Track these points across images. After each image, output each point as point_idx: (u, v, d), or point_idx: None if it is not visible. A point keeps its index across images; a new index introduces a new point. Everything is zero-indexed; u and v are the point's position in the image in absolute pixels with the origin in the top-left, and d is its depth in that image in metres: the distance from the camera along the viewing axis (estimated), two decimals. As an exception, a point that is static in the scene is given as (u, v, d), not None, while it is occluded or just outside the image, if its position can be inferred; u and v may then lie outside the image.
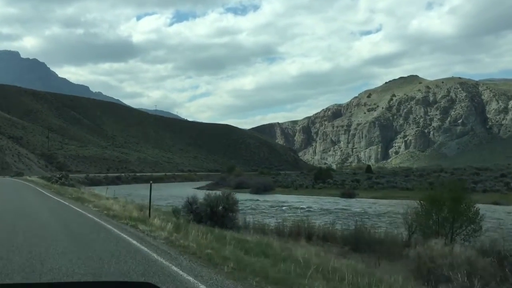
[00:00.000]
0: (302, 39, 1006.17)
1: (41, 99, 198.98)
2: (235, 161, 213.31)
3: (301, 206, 43.43)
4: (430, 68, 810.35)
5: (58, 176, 48.06)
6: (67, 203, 21.38)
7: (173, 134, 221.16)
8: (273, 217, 33.60)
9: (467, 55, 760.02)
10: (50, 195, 28.52)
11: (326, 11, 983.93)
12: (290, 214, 35.14)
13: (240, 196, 61.36)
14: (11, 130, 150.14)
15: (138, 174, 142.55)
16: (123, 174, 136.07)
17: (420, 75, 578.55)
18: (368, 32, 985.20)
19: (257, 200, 53.74)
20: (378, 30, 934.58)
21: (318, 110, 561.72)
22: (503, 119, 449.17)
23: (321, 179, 71.96)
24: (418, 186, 59.60)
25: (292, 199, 56.59)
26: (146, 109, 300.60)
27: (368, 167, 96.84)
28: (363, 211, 39.69)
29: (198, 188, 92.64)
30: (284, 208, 42.88)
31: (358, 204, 47.88)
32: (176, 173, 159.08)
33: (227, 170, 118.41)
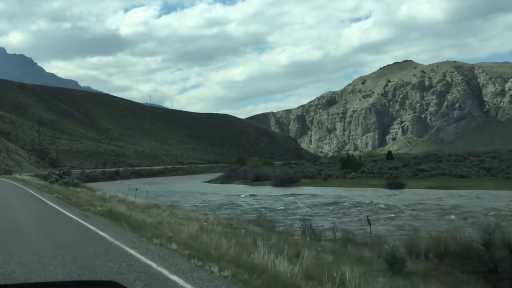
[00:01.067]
0: (292, 28, 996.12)
1: (29, 92, 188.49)
2: (235, 152, 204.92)
3: (364, 201, 35.04)
4: (420, 54, 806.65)
5: (58, 173, 39.15)
6: (119, 235, 10.91)
7: (169, 125, 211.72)
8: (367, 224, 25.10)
9: (457, 40, 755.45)
10: (61, 209, 17.69)
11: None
12: (376, 214, 26.79)
13: (265, 190, 53.25)
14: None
15: (136, 168, 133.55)
16: (121, 169, 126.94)
17: (414, 60, 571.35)
18: (358, 19, 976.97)
19: (294, 195, 45.33)
20: (367, 17, 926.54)
21: (309, 99, 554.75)
22: (500, 102, 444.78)
23: (350, 168, 63.89)
24: (473, 174, 51.59)
25: (330, 192, 48.36)
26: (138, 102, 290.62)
27: (389, 153, 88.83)
28: (456, 207, 31.35)
29: (209, 182, 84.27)
30: (346, 204, 34.44)
31: (425, 196, 39.63)
32: (175, 166, 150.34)
33: (237, 161, 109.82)
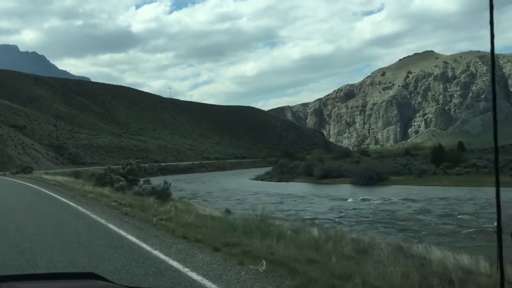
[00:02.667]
0: (304, 22, 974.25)
1: (44, 84, 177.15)
2: (262, 146, 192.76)
3: None
4: (434, 47, 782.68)
5: (122, 171, 26.06)
6: None
7: (191, 118, 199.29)
8: None
9: (470, 32, 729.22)
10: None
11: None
12: None
13: (359, 192, 40.46)
14: (12, 118, 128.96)
15: (162, 164, 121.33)
16: (146, 165, 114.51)
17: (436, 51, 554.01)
18: (370, 12, 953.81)
19: (431, 199, 32.46)
20: (380, 10, 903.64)
21: (322, 93, 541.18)
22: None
23: (446, 161, 51.40)
24: None
25: (460, 192, 35.67)
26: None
27: (460, 143, 75.84)
28: None
29: (258, 179, 71.94)
30: None
31: None
32: (203, 162, 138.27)
33: (284, 155, 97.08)
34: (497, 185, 2.95)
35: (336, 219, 21.69)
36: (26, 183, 30.16)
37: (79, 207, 14.27)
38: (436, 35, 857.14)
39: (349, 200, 33.17)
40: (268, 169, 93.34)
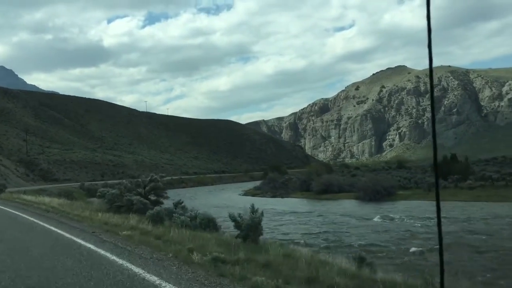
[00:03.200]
0: (276, 38, 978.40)
1: (13, 98, 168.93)
2: (241, 160, 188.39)
3: None
4: (404, 62, 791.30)
5: (142, 189, 20.02)
6: None
7: (168, 132, 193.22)
8: None
9: (439, 48, 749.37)
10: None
11: (300, 8, 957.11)
12: None
13: (369, 210, 35.21)
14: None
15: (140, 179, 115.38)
16: (124, 181, 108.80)
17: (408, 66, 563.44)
18: (342, 28, 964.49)
19: (472, 219, 28.49)
20: (351, 26, 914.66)
21: (295, 108, 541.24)
22: (498, 106, 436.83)
23: (453, 174, 48.18)
24: None
25: (485, 211, 32.09)
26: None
27: (454, 156, 73.01)
28: None
29: (247, 195, 67.38)
30: None
31: None
32: (182, 177, 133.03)
33: (271, 169, 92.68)
34: (438, 201, 3.02)
35: (415, 249, 17.17)
36: (6, 209, 22.85)
37: (147, 275, 6.89)
38: (406, 50, 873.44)
39: (375, 219, 29.09)
40: (254, 183, 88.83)
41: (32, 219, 16.56)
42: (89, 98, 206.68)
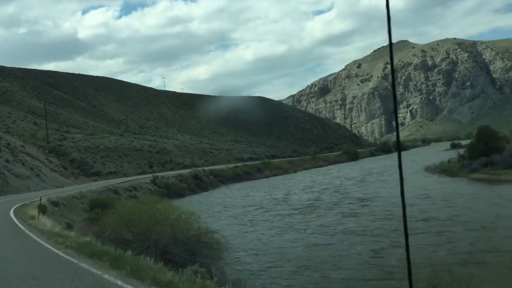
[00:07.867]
0: (255, 23, 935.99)
1: (8, 75, 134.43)
2: (286, 142, 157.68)
3: None
4: (382, 43, 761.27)
5: None
6: None
7: (194, 113, 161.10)
8: None
9: (417, 28, 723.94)
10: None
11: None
12: None
13: None
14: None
15: (206, 169, 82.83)
16: (203, 175, 75.66)
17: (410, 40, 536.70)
18: (320, 12, 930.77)
19: None
20: (330, 9, 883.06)
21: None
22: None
23: None
24: None
25: None
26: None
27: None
28: None
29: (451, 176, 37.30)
30: None
31: None
32: (237, 164, 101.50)
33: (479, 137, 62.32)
34: (402, 185, 3.03)
35: None
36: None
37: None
38: (384, 32, 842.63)
39: None
40: (356, 165, 59.34)
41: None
42: (97, 76, 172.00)
